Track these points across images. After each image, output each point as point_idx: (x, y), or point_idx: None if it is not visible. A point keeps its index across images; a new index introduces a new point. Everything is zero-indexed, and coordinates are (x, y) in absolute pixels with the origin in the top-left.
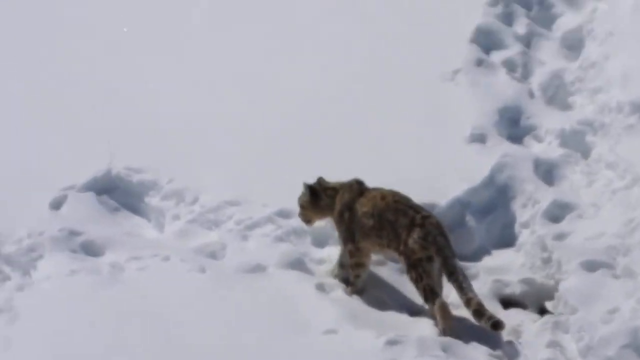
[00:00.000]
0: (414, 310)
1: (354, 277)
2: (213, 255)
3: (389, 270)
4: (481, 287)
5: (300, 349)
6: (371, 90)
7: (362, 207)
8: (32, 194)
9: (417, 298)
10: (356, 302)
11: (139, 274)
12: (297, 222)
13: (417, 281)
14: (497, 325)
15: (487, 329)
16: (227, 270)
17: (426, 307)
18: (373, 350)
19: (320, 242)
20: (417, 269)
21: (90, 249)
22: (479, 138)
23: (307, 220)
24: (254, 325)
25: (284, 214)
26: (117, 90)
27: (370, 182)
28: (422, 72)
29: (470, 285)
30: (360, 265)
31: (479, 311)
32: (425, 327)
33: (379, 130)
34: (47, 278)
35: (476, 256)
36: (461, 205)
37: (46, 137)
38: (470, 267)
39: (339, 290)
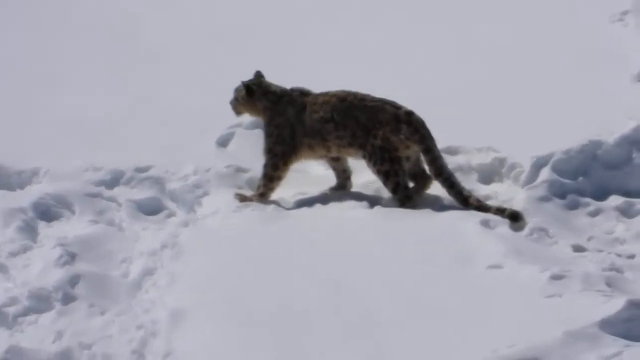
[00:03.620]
0: (578, 246)
1: (268, 189)
2: (378, 192)
3: (554, 206)
4: None
5: (465, 283)
6: (541, 29)
7: (313, 114)
8: (199, 132)
9: (582, 234)
10: (521, 238)
11: (305, 210)
12: (463, 159)
13: (389, 174)
14: (516, 216)
15: None
16: (392, 206)
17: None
18: (537, 284)
19: (486, 179)
20: (393, 165)
21: (256, 186)
22: None
23: (238, 112)
24: (419, 259)
25: (451, 151)
26: (277, 33)
27: (539, 118)
28: (591, 13)
29: (460, 183)
30: (279, 179)
31: (484, 207)
32: (589, 262)
33: (548, 70)
34: (213, 214)
35: None
36: (628, 142)
37: (212, 77)
38: (636, 203)
39: (504, 226)
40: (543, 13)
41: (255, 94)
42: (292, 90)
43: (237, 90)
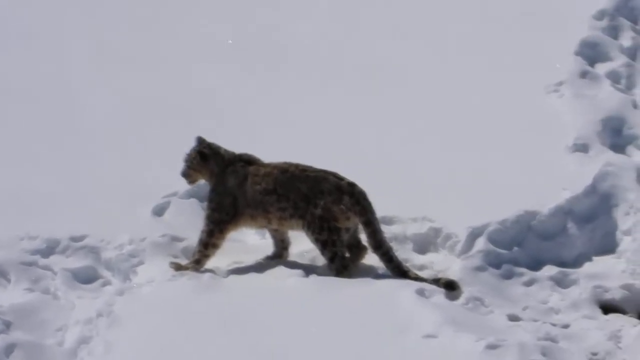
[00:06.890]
0: (513, 315)
1: (203, 255)
2: (314, 261)
3: (489, 275)
4: (582, 293)
5: (400, 352)
6: (476, 100)
7: (255, 185)
8: (134, 201)
9: (517, 303)
10: (456, 307)
11: (240, 280)
12: (398, 228)
13: (326, 244)
14: (451, 285)
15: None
16: (328, 275)
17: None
18: (473, 354)
19: (421, 249)
20: (332, 235)
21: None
22: (582, 147)
23: (192, 181)
24: (355, 329)
25: (385, 221)
26: (215, 100)
27: (474, 189)
28: (527, 83)
29: (397, 258)
30: (214, 246)
31: (421, 279)
32: (524, 331)
33: (484, 139)
34: (148, 283)
35: (577, 262)
36: (563, 213)
37: (149, 145)
38: (571, 274)
39: (439, 295)
40: (478, 83)
41: (209, 158)
42: (241, 156)
43: (189, 158)
